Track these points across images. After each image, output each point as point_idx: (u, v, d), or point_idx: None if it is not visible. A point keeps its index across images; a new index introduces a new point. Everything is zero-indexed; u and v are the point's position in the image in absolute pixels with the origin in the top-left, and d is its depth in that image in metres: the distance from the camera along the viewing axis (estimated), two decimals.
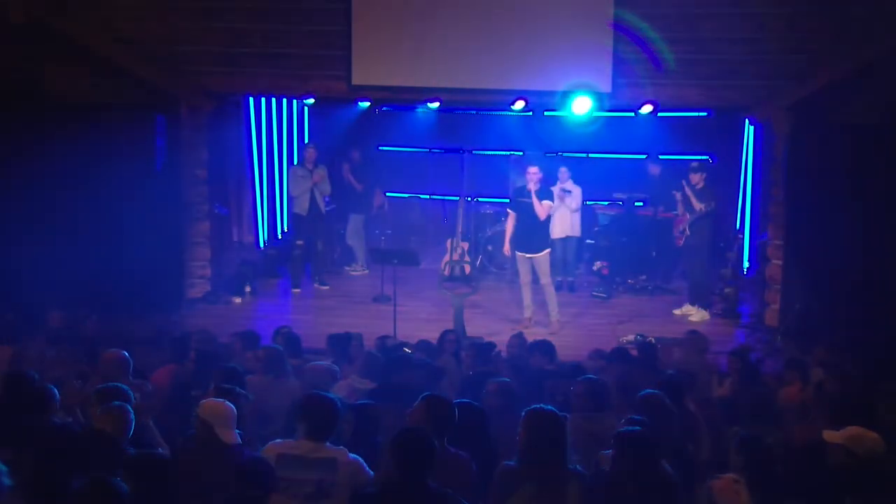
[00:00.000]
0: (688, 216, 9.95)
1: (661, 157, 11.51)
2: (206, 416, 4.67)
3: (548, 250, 9.47)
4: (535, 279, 9.53)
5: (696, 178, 9.88)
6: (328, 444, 4.44)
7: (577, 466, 4.31)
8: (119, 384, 5.27)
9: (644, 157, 11.64)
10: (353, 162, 11.81)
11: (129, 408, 4.81)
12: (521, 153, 11.96)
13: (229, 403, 4.77)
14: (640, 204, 11.70)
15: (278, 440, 4.58)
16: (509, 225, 9.58)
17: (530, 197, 9.19)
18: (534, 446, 4.23)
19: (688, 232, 9.93)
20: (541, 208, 9.17)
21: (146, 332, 8.33)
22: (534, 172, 9.21)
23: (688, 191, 9.89)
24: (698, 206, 9.77)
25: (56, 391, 5.14)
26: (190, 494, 4.47)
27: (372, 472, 4.40)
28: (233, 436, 4.64)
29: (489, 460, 4.61)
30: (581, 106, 9.29)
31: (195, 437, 4.73)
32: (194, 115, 10.04)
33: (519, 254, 9.47)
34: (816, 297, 8.96)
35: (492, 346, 7.98)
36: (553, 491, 4.13)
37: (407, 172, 13.14)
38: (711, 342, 8.19)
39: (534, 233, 9.33)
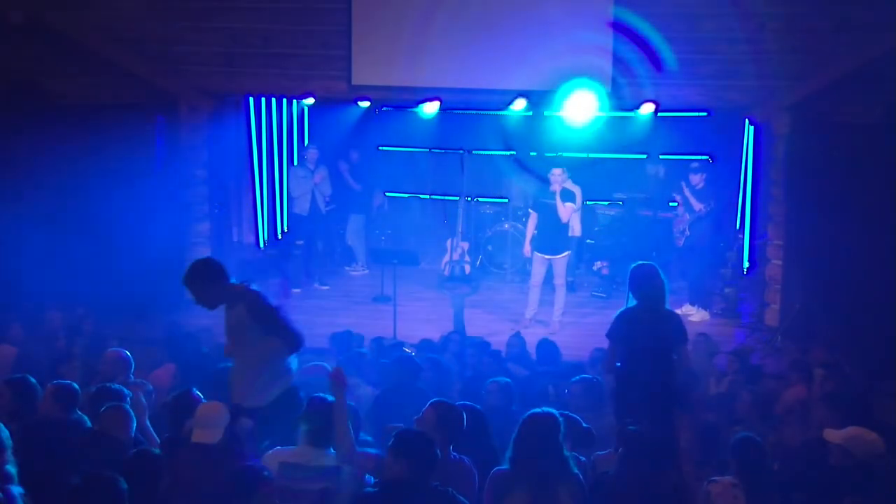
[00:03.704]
0: (688, 216, 9.95)
1: (661, 156, 11.50)
2: (198, 416, 4.66)
3: (568, 252, 9.51)
4: (547, 280, 9.54)
5: (696, 179, 9.88)
6: (331, 450, 4.42)
7: (574, 469, 4.30)
8: (116, 385, 5.28)
9: (644, 156, 11.63)
10: (351, 162, 11.82)
11: (129, 409, 4.82)
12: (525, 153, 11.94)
13: (223, 406, 4.75)
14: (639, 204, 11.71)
15: (279, 447, 4.57)
16: (530, 225, 9.61)
17: (553, 198, 9.22)
18: (525, 450, 4.22)
19: (688, 232, 9.93)
20: (563, 210, 9.23)
21: (146, 332, 8.33)
22: (558, 174, 9.25)
23: (686, 192, 9.90)
24: (698, 206, 9.78)
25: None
26: (190, 496, 4.48)
27: (373, 478, 4.39)
28: (206, 435, 4.55)
29: (491, 463, 4.62)
30: (580, 113, 9.30)
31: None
32: (194, 115, 10.03)
33: (537, 254, 9.50)
34: (816, 297, 8.96)
35: (489, 346, 8.02)
36: (546, 495, 4.13)
37: (407, 172, 13.13)
38: (715, 343, 8.20)
39: (555, 234, 9.37)
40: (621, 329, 5.81)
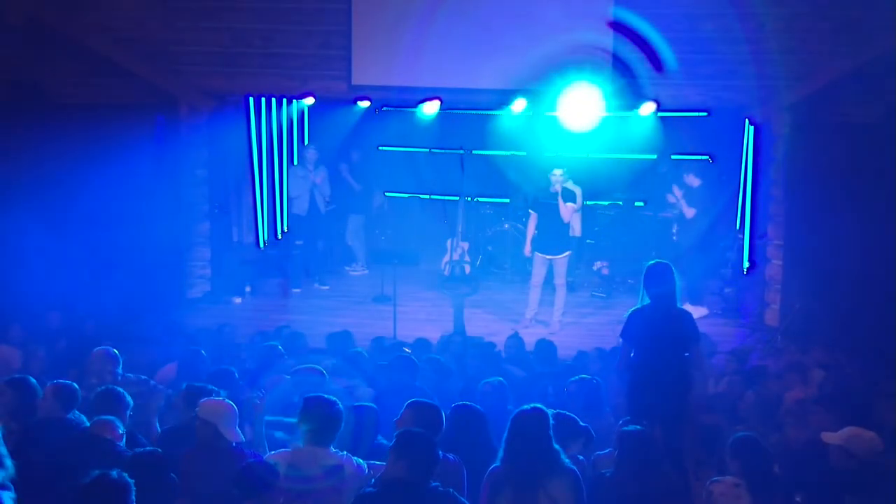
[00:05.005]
0: (676, 213, 9.99)
1: (673, 157, 11.42)
2: (207, 415, 4.67)
3: (569, 252, 9.51)
4: (547, 280, 9.54)
5: (690, 179, 9.89)
6: (332, 448, 4.43)
7: (568, 462, 4.31)
8: (116, 387, 5.31)
9: (654, 157, 11.64)
10: (351, 162, 11.81)
11: (118, 422, 4.84)
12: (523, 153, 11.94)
13: (229, 402, 4.79)
14: (641, 204, 11.70)
15: (282, 448, 4.58)
16: (531, 225, 9.61)
17: (555, 198, 9.23)
18: (516, 446, 4.24)
19: (676, 230, 9.97)
20: (565, 210, 9.24)
21: (147, 331, 8.34)
22: (558, 174, 9.25)
23: (677, 194, 9.90)
24: (682, 205, 9.83)
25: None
26: (195, 495, 4.48)
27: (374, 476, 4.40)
28: (236, 434, 4.66)
29: (490, 462, 4.61)
30: (579, 114, 9.31)
31: (196, 437, 4.74)
32: (194, 115, 10.04)
33: (538, 255, 9.50)
34: (816, 297, 8.96)
35: (492, 346, 8.02)
36: (539, 490, 4.14)
37: (407, 172, 13.12)
38: (714, 343, 8.20)
39: (556, 234, 9.38)
40: (634, 328, 5.80)
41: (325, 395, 4.59)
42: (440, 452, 4.36)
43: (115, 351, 6.27)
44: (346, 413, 4.70)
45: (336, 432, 4.48)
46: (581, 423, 5.15)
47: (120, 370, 6.20)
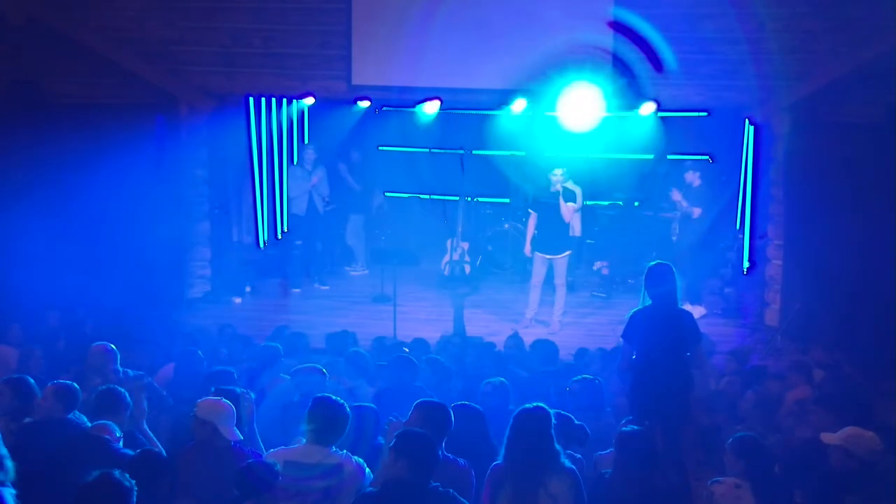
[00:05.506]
0: (679, 214, 9.98)
1: (669, 156, 11.41)
2: (205, 415, 4.67)
3: (569, 252, 9.51)
4: (547, 280, 9.54)
5: (691, 177, 9.89)
6: (333, 448, 4.43)
7: (567, 462, 4.32)
8: (116, 386, 5.30)
9: (651, 157, 11.64)
10: (351, 162, 11.80)
11: (115, 427, 4.84)
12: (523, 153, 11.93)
13: (226, 401, 4.78)
14: (639, 204, 11.69)
15: (282, 447, 4.59)
16: (531, 226, 9.62)
17: (555, 198, 9.23)
18: (517, 445, 4.26)
19: (676, 230, 9.96)
20: (566, 209, 9.23)
21: (147, 331, 8.34)
22: (558, 174, 9.25)
23: (678, 195, 9.90)
24: (685, 205, 9.82)
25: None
26: (195, 494, 4.48)
27: (372, 476, 4.40)
28: (234, 432, 4.66)
29: (491, 462, 4.62)
30: (579, 114, 9.31)
31: (194, 437, 4.74)
32: (194, 115, 10.04)
33: (538, 254, 9.49)
34: (816, 297, 8.95)
35: (492, 346, 8.02)
36: (539, 487, 4.16)
37: (407, 172, 13.12)
38: (713, 343, 8.20)
39: (556, 234, 9.38)
40: (636, 329, 5.81)
41: (334, 397, 4.58)
42: (449, 455, 4.37)
43: (112, 346, 6.29)
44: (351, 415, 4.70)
45: (341, 434, 4.49)
46: (576, 422, 5.16)
47: (118, 366, 6.22)
